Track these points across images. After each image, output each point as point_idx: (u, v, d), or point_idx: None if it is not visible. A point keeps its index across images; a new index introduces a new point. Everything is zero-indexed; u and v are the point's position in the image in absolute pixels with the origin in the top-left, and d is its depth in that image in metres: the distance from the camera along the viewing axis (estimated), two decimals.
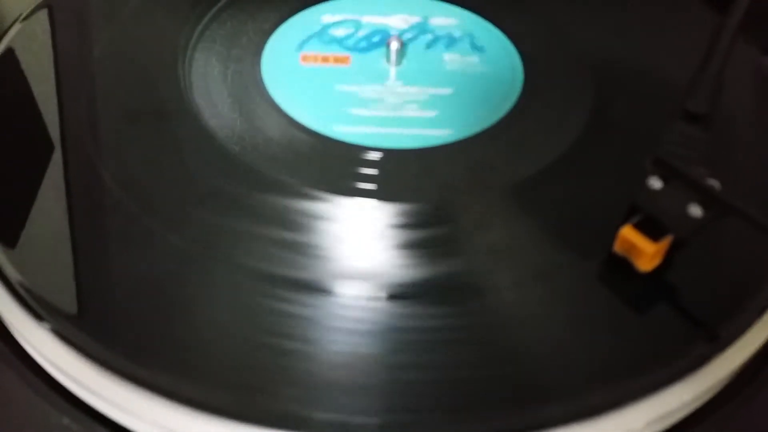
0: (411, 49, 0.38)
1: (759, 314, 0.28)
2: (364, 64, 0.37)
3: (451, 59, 0.38)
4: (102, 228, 0.30)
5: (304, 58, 0.37)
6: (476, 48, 0.38)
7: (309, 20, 0.39)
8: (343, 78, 0.36)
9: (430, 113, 0.35)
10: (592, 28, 0.39)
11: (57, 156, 0.32)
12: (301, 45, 0.38)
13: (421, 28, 0.39)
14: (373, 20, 0.39)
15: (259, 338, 0.26)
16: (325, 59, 0.37)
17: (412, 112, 0.35)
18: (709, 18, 0.39)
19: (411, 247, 0.29)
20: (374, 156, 0.32)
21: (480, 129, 0.34)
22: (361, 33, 0.39)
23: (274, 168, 0.32)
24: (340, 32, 0.39)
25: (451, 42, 0.38)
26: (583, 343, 0.27)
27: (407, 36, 0.38)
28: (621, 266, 0.28)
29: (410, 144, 0.33)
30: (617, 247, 0.27)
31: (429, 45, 0.38)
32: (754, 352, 0.27)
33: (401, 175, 0.32)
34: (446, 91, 0.36)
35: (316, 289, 0.28)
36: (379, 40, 0.38)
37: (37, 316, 0.27)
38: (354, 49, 0.38)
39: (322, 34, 0.38)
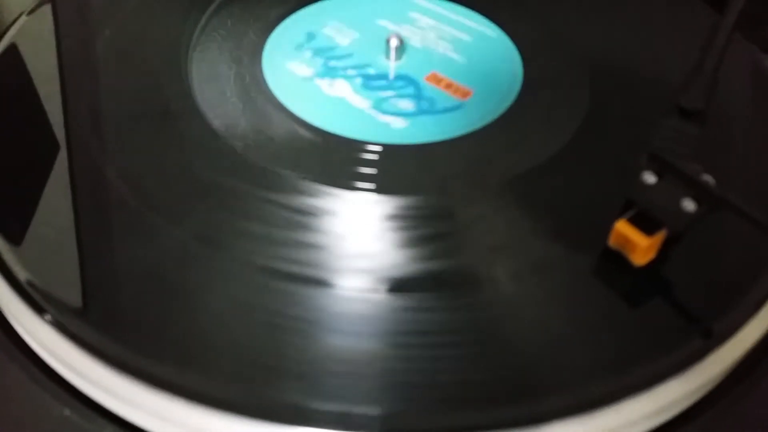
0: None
1: (754, 309, 0.28)
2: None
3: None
4: (106, 223, 0.30)
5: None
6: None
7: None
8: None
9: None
10: (590, 26, 0.39)
11: (61, 152, 0.32)
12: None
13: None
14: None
15: (261, 330, 0.26)
16: (449, 86, 0.36)
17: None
18: (706, 16, 0.39)
19: (410, 240, 0.29)
20: (375, 151, 0.33)
21: (480, 125, 0.34)
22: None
23: (277, 163, 0.32)
24: (405, 105, 0.36)
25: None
26: (578, 338, 0.27)
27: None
28: (616, 261, 0.28)
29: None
30: (612, 241, 0.28)
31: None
32: (749, 347, 0.27)
33: (402, 169, 0.32)
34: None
35: (318, 281, 0.28)
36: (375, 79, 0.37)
37: (41, 310, 0.27)
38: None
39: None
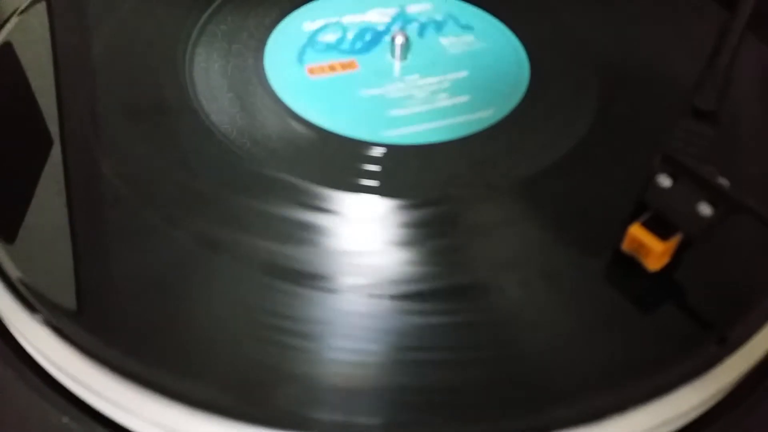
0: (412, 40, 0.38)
1: None
2: (369, 63, 0.37)
3: (449, 43, 0.38)
4: (102, 223, 0.29)
5: (311, 71, 0.36)
6: (465, 28, 0.39)
7: (293, 30, 0.39)
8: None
9: (464, 98, 0.35)
10: (598, 25, 0.38)
11: (56, 150, 0.32)
12: (299, 57, 0.37)
13: (403, 18, 0.39)
14: (354, 19, 0.39)
15: (260, 336, 0.26)
16: (332, 68, 0.36)
17: (444, 101, 0.35)
18: (716, 14, 0.39)
19: (415, 244, 0.29)
20: (378, 152, 0.32)
21: (486, 125, 0.33)
22: (350, 35, 0.38)
23: (276, 163, 0.31)
24: (329, 38, 0.38)
25: (438, 26, 0.39)
26: (589, 345, 0.26)
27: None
28: (628, 265, 0.27)
29: (462, 131, 0.33)
30: (625, 246, 0.27)
31: (420, 32, 0.38)
32: (764, 354, 0.27)
33: (405, 171, 0.31)
34: (464, 74, 0.36)
35: (319, 285, 0.27)
36: (372, 38, 0.38)
37: (35, 312, 0.26)
38: (353, 52, 0.37)
39: (312, 43, 0.38)
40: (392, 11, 0.40)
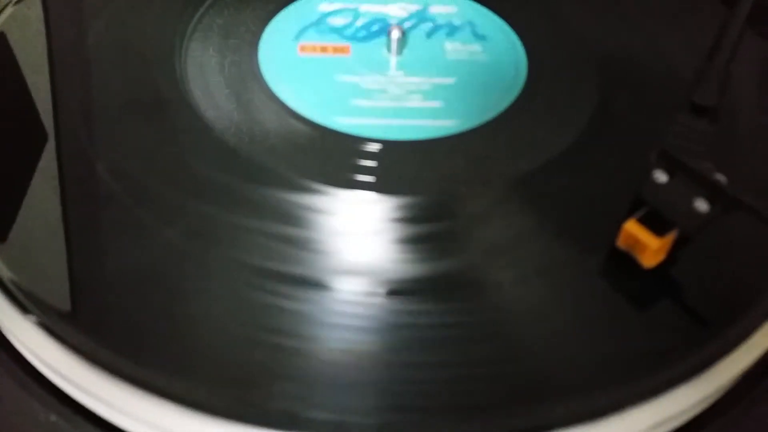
0: (411, 37, 0.37)
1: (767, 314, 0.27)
2: (363, 54, 0.36)
3: (452, 48, 0.37)
4: (95, 221, 0.29)
5: (303, 49, 0.36)
6: (478, 36, 0.38)
7: (306, 9, 0.39)
8: (342, 68, 0.36)
9: (435, 103, 0.34)
10: (597, 21, 0.38)
11: (50, 146, 0.31)
12: (299, 34, 0.37)
13: (421, 17, 0.39)
14: (371, 9, 0.39)
15: (254, 335, 0.26)
16: (324, 49, 0.37)
17: (415, 102, 0.34)
18: (716, 10, 0.38)
19: (411, 241, 0.28)
20: (374, 148, 0.32)
21: (483, 121, 0.33)
22: (360, 22, 0.38)
23: (272, 159, 0.31)
24: (338, 21, 0.38)
25: (452, 30, 0.38)
26: (584, 343, 0.26)
27: (407, 25, 0.38)
28: (624, 262, 0.27)
29: (415, 135, 0.32)
30: (620, 242, 0.27)
31: (429, 34, 0.38)
32: (762, 353, 0.26)
33: (402, 167, 0.31)
34: (450, 80, 0.35)
35: (313, 284, 0.27)
36: (379, 29, 0.38)
37: (26, 311, 0.26)
38: (353, 38, 0.37)
39: (320, 23, 0.38)
40: (414, 8, 0.39)
